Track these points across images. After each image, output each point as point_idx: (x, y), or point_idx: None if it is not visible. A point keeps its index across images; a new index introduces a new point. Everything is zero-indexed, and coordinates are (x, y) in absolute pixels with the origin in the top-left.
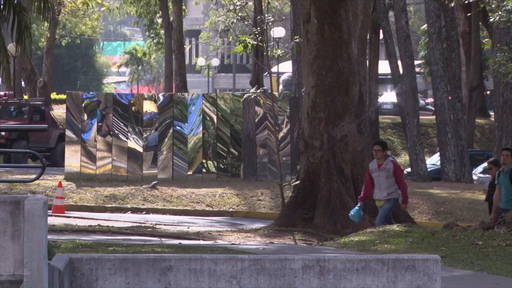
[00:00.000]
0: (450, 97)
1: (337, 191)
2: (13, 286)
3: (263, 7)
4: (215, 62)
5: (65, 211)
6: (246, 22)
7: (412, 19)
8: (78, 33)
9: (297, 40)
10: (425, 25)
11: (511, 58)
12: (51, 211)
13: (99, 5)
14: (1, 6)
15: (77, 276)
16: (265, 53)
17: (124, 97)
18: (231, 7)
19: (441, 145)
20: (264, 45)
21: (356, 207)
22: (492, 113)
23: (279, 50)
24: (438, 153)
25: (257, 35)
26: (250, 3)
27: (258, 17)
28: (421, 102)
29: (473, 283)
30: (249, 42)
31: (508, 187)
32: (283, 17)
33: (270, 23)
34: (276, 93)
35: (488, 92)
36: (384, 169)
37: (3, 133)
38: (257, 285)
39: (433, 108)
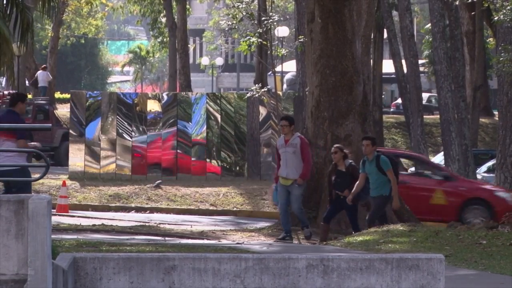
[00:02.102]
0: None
1: None
2: (17, 285)
3: (267, 6)
4: (219, 61)
5: (69, 210)
6: (252, 21)
7: (418, 18)
8: (82, 33)
9: (302, 40)
10: (429, 24)
11: None
12: (55, 210)
13: (103, 5)
14: (4, 5)
15: (81, 275)
16: (269, 52)
17: (128, 96)
18: (236, 5)
19: (445, 144)
20: (269, 44)
21: (274, 191)
22: (496, 112)
23: (283, 50)
24: (442, 153)
25: (262, 34)
26: (255, 2)
27: (263, 17)
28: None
29: (477, 282)
30: (253, 41)
31: (376, 175)
32: (287, 16)
33: (275, 23)
34: (280, 93)
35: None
36: (291, 145)
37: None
38: (261, 284)
39: None
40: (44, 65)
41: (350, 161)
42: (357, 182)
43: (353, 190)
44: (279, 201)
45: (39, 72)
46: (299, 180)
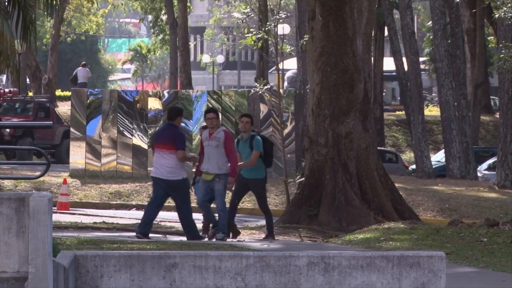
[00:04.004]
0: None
1: (342, 188)
2: (18, 283)
3: (270, 4)
4: (220, 59)
5: (70, 208)
6: (257, 17)
7: (421, 17)
8: (83, 30)
9: (306, 39)
10: (430, 22)
11: None
12: (56, 208)
13: (104, 2)
14: (6, 2)
15: (82, 273)
16: (272, 49)
17: (129, 94)
18: (238, 3)
19: (446, 142)
20: (274, 41)
21: (196, 184)
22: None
23: (288, 47)
24: (443, 150)
25: (266, 31)
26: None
27: (269, 13)
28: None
29: (478, 280)
30: (258, 38)
31: (249, 155)
32: (288, 14)
33: (281, 20)
34: (281, 90)
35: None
36: (214, 138)
37: (8, 130)
38: (262, 282)
39: None
40: (84, 62)
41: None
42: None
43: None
44: (197, 196)
45: (79, 68)
46: (230, 179)
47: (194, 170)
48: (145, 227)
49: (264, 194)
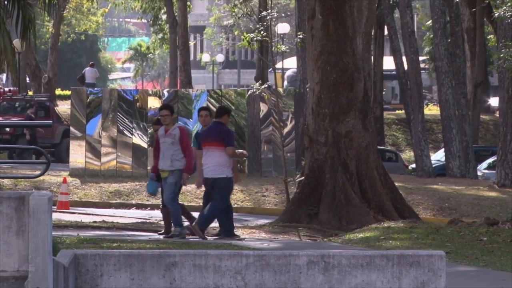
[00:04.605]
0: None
1: (342, 187)
2: (18, 281)
3: (268, 3)
4: (220, 58)
5: (70, 207)
6: (252, 17)
7: (420, 15)
8: (83, 29)
9: (301, 36)
10: (430, 21)
11: None
12: (55, 207)
13: (104, 1)
14: (6, 1)
15: (82, 271)
16: (269, 49)
17: (129, 93)
18: (236, 2)
19: (446, 141)
20: (269, 41)
21: (149, 180)
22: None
23: (283, 46)
24: (443, 149)
25: (262, 31)
26: None
27: (263, 12)
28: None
29: (478, 279)
30: (253, 39)
31: None
32: (288, 13)
33: (274, 19)
34: (281, 89)
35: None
36: (169, 135)
37: (7, 129)
38: (261, 281)
39: None
40: (92, 62)
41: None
42: (198, 161)
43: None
44: (163, 196)
45: (87, 69)
46: (184, 175)
47: (149, 168)
48: (204, 222)
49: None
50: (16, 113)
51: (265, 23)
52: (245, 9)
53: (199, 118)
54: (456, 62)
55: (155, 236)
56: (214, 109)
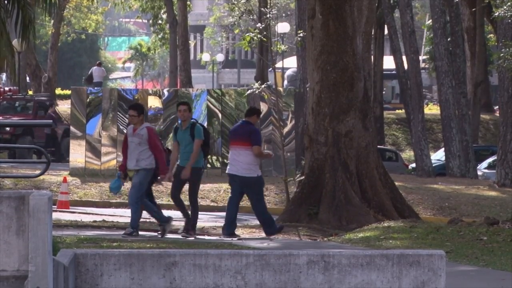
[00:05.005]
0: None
1: (342, 187)
2: (18, 281)
3: (267, 2)
4: (220, 57)
5: (70, 207)
6: (251, 17)
7: (420, 15)
8: (82, 28)
9: (301, 35)
10: (430, 20)
11: None
12: (56, 206)
13: (104, 1)
14: (6, 1)
15: (82, 271)
16: (269, 49)
17: (129, 92)
18: (235, 2)
19: (446, 140)
20: (269, 40)
21: (116, 178)
22: (497, 108)
23: (283, 46)
24: (443, 149)
25: (261, 30)
26: None
27: (262, 9)
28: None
29: (478, 278)
30: (253, 36)
31: (190, 144)
32: (288, 12)
33: (275, 18)
34: (281, 89)
35: None
36: (137, 135)
37: (8, 128)
38: (261, 280)
39: None
40: (99, 61)
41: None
42: (172, 154)
43: (174, 163)
44: (128, 199)
45: (94, 68)
46: (161, 177)
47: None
48: (230, 226)
49: (198, 184)
50: (16, 112)
51: (263, 23)
52: (244, 8)
53: (178, 113)
54: (456, 61)
55: (155, 235)
56: (216, 109)
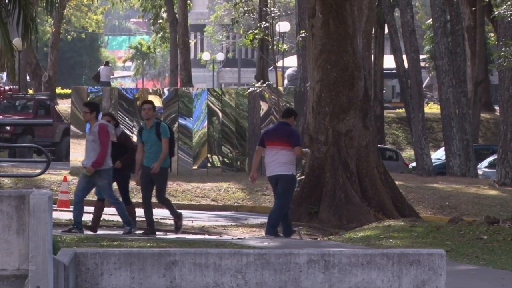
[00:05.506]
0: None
1: (342, 186)
2: (18, 280)
3: (268, 1)
4: (220, 56)
5: (70, 206)
6: (252, 16)
7: (420, 14)
8: (82, 26)
9: (303, 35)
10: (430, 19)
11: None
12: (56, 205)
13: (104, 1)
14: (7, 0)
15: (82, 270)
16: (270, 47)
17: (129, 91)
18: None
19: (446, 139)
20: (270, 39)
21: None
22: (497, 108)
23: (284, 45)
24: (443, 148)
25: (263, 29)
26: None
27: (264, 9)
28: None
29: (478, 277)
30: (256, 34)
31: (156, 144)
32: (288, 12)
33: (276, 18)
34: (281, 88)
35: None
36: (91, 133)
37: (8, 127)
38: (262, 279)
39: None
40: (107, 60)
41: (122, 129)
42: (136, 155)
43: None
44: (77, 187)
45: (102, 67)
46: (88, 169)
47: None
48: (287, 227)
49: (165, 184)
50: (16, 111)
51: (264, 22)
52: (245, 7)
53: (142, 112)
54: (456, 60)
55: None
56: (216, 108)
